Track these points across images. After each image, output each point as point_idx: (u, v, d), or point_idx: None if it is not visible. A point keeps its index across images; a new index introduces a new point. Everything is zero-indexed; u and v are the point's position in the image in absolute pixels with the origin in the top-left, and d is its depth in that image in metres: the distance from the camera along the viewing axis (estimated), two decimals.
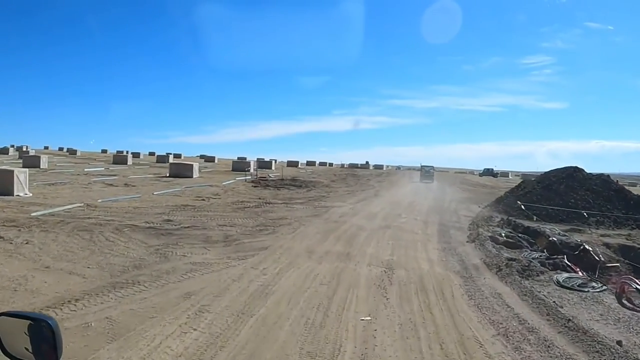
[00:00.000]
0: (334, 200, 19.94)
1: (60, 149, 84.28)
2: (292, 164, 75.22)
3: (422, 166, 48.67)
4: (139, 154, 77.56)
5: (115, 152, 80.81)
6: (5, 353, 1.65)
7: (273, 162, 60.02)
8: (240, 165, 46.47)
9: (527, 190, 19.53)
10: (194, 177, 31.20)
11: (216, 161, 71.61)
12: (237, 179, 31.51)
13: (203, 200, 17.94)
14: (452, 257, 9.62)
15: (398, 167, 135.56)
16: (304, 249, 9.62)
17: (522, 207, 16.14)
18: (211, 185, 25.23)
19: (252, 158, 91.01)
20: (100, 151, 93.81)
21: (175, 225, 11.72)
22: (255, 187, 25.97)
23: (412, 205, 19.76)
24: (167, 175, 31.31)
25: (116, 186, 22.42)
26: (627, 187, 20.69)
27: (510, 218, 15.55)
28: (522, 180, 22.21)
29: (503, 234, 12.61)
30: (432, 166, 48.20)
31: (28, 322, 1.62)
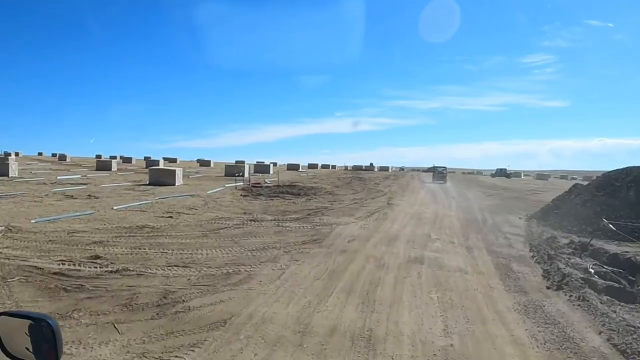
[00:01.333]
0: (339, 214, 15.87)
1: (54, 155, 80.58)
2: (293, 167, 71.59)
3: (434, 167, 50.30)
4: (131, 158, 74.10)
5: (108, 157, 77.53)
6: (6, 353, 1.66)
7: (271, 165, 56.21)
8: (233, 170, 42.60)
9: (585, 198, 15.36)
10: (176, 184, 27.22)
11: (212, 165, 68.02)
12: (227, 185, 27.62)
13: (170, 217, 13.95)
14: (550, 334, 5.49)
15: (401, 168, 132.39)
16: (291, 322, 5.53)
17: (610, 225, 11.91)
18: (192, 194, 21.22)
19: (253, 162, 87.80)
20: (94, 156, 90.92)
21: (99, 268, 7.67)
22: (244, 196, 21.94)
23: (438, 219, 15.64)
24: (147, 182, 27.39)
25: (75, 198, 18.48)
26: None
27: (581, 240, 11.41)
28: (572, 186, 17.86)
29: (592, 271, 8.49)
30: (445, 167, 48.64)
31: (28, 321, 1.62)
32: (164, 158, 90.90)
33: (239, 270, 7.88)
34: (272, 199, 20.73)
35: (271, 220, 14.05)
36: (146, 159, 74.81)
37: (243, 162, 78.43)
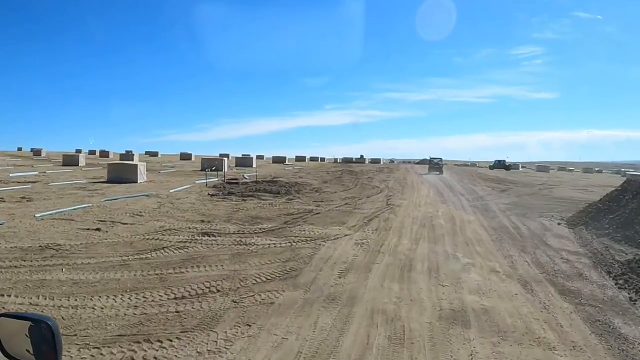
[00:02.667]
0: (327, 221, 12.21)
1: (33, 149, 75.31)
2: (279, 160, 67.88)
3: (430, 158, 50.24)
4: (108, 152, 69.91)
5: (90, 151, 73.36)
6: (5, 354, 1.66)
7: (254, 158, 52.32)
8: (210, 164, 38.73)
9: None
10: (138, 181, 23.33)
11: (193, 159, 63.96)
12: (198, 182, 23.84)
13: (98, 230, 10.43)
14: None
15: (392, 160, 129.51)
16: None
17: None
18: (150, 194, 17.49)
19: (243, 154, 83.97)
20: (74, 151, 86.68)
21: None
22: (213, 195, 18.20)
23: (457, 227, 12.03)
24: (106, 180, 23.55)
25: (6, 202, 14.88)
26: None
27: None
28: (625, 181, 14.29)
29: None
30: (441, 158, 49.38)
31: (28, 323, 1.62)
32: (146, 152, 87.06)
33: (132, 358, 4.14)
34: (245, 200, 16.98)
35: (233, 233, 10.30)
36: (128, 152, 71.03)
37: (227, 155, 74.78)
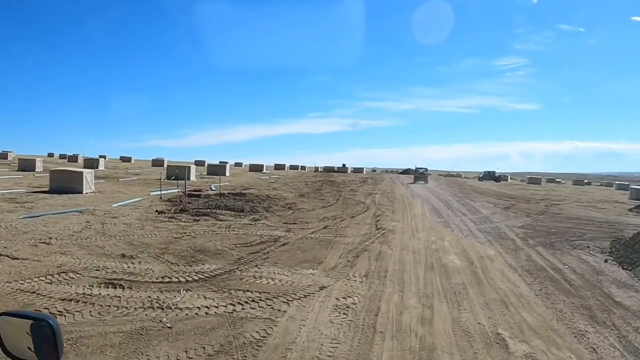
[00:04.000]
0: (297, 258, 8.95)
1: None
2: (256, 168, 64.34)
3: (416, 168, 50.71)
4: (76, 156, 65.62)
5: (62, 155, 69.12)
6: (6, 353, 1.67)
7: (227, 166, 48.80)
8: (180, 172, 35.20)
9: None
10: (84, 191, 20.08)
11: (165, 165, 60.17)
12: (153, 194, 20.46)
13: None
14: None
15: (374, 170, 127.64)
16: None
17: None
18: (84, 211, 14.14)
19: (227, 161, 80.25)
20: (46, 155, 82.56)
21: None
22: (160, 213, 14.85)
23: (477, 268, 8.82)
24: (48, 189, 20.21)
25: None
26: None
27: None
28: None
29: None
30: (426, 168, 50.39)
31: (29, 321, 1.63)
32: (121, 157, 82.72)
33: None
34: (198, 220, 13.62)
35: (154, 282, 6.94)
36: (101, 157, 67.48)
37: (204, 162, 71.42)
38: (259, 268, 8.14)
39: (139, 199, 18.48)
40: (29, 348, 1.61)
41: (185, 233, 11.37)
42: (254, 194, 22.66)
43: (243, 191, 24.08)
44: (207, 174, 41.85)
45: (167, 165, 43.65)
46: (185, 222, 13.27)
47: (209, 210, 15.82)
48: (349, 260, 8.93)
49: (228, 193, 22.36)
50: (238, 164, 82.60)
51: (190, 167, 36.16)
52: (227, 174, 44.00)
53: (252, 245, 10.18)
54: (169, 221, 13.26)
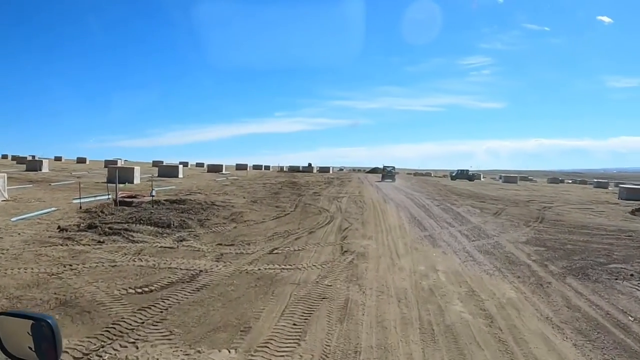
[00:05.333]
0: (209, 324, 5.36)
1: None
2: (215, 169, 60.23)
3: (384, 166, 53.36)
4: (24, 158, 60.18)
5: (14, 156, 64.45)
6: (6, 353, 1.69)
7: (180, 167, 44.64)
8: (121, 174, 31.06)
9: None
10: None
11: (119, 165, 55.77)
12: (75, 201, 16.77)
13: None
14: None
15: (341, 169, 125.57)
16: None
17: None
18: None
19: (183, 162, 75.68)
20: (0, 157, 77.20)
21: None
22: (62, 231, 11.23)
23: (505, 333, 5.55)
24: None
25: None
26: None
27: None
28: None
29: None
30: (394, 166, 53.29)
31: (28, 321, 1.65)
32: (77, 158, 77.13)
33: None
34: (103, 241, 10.12)
35: None
36: (57, 159, 62.40)
37: (162, 162, 67.46)
38: (137, 348, 4.64)
39: (52, 209, 14.70)
40: (29, 348, 1.62)
41: (70, 265, 7.81)
42: (197, 200, 19.00)
43: (186, 196, 20.47)
44: (158, 176, 38.10)
45: (108, 167, 39.19)
46: (84, 245, 9.68)
47: (125, 225, 12.14)
48: (294, 325, 5.46)
49: (166, 200, 18.61)
50: (200, 164, 78.33)
51: (133, 168, 32.05)
52: (180, 175, 40.15)
53: (152, 291, 6.64)
54: (62, 244, 9.61)
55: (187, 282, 7.20)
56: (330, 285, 7.17)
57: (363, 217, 15.80)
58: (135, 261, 8.51)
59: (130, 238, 10.62)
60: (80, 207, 15.35)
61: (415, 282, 7.63)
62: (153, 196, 20.45)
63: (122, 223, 12.48)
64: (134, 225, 12.33)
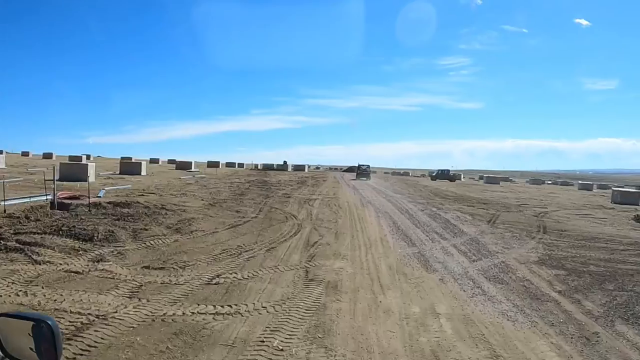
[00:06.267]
0: None
1: None
2: (184, 166, 57.27)
3: (359, 165, 54.21)
4: None
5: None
6: (5, 354, 1.70)
7: (143, 164, 41.65)
8: (72, 171, 28.33)
9: None
10: None
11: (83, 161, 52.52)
12: (6, 203, 13.88)
13: None
14: None
15: (317, 167, 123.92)
16: None
17: None
18: None
19: (154, 159, 72.42)
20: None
21: None
22: None
23: None
24: None
25: None
26: None
27: None
28: None
29: None
30: (368, 165, 54.88)
31: (28, 322, 1.66)
32: (43, 154, 73.13)
33: None
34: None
35: None
36: (24, 153, 58.74)
37: (130, 158, 65.01)
38: None
39: None
40: (30, 349, 1.62)
41: None
42: (147, 202, 16.33)
43: (137, 198, 17.89)
44: (121, 173, 35.71)
45: (60, 163, 35.91)
46: None
47: (39, 237, 9.46)
48: None
49: (110, 202, 15.86)
50: (172, 161, 75.06)
51: (87, 165, 28.90)
52: (144, 172, 37.29)
53: None
54: None
55: (65, 340, 4.67)
56: (282, 350, 4.71)
57: (337, 226, 13.37)
58: (18, 295, 5.96)
59: (35, 256, 7.98)
60: (5, 211, 12.56)
61: (410, 338, 5.21)
62: (99, 197, 17.80)
63: (37, 234, 9.81)
64: (50, 237, 9.67)
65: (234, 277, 7.48)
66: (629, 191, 32.35)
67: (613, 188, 35.67)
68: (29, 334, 1.62)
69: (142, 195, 19.45)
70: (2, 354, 1.70)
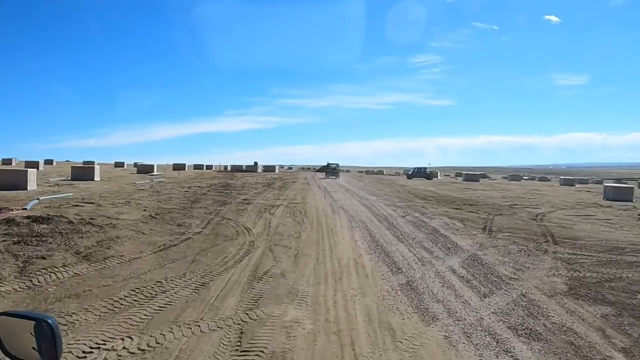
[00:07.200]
0: None
1: None
2: (145, 170, 53.91)
3: (328, 164, 56.00)
4: None
5: None
6: (6, 353, 1.69)
7: (96, 168, 38.15)
8: (7, 179, 25.05)
9: None
10: None
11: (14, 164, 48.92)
12: None
13: None
14: None
15: (289, 167, 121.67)
16: None
17: None
18: None
19: (114, 162, 69.20)
20: None
21: None
22: None
23: None
24: None
25: None
26: None
27: None
28: None
29: None
30: (337, 164, 56.44)
31: (28, 321, 1.66)
32: (2, 160, 68.80)
33: None
34: None
35: None
36: None
37: (93, 162, 62.29)
38: None
39: None
40: (33, 348, 1.63)
41: None
42: (76, 216, 13.51)
43: (70, 209, 15.28)
44: (72, 179, 32.25)
45: None
46: None
47: None
48: None
49: (31, 216, 12.88)
50: (140, 165, 71.71)
51: (27, 171, 25.46)
52: (97, 177, 33.92)
53: None
54: None
55: None
56: None
57: (299, 244, 10.62)
58: None
59: None
60: None
61: None
62: (25, 209, 14.80)
63: None
64: None
65: (124, 348, 4.71)
66: (622, 187, 30.60)
67: (605, 184, 33.97)
68: (31, 334, 1.61)
69: (78, 205, 16.47)
70: (2, 354, 1.69)
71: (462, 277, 7.98)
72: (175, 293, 6.73)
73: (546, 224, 15.31)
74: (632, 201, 26.76)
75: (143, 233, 11.80)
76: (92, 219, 13.41)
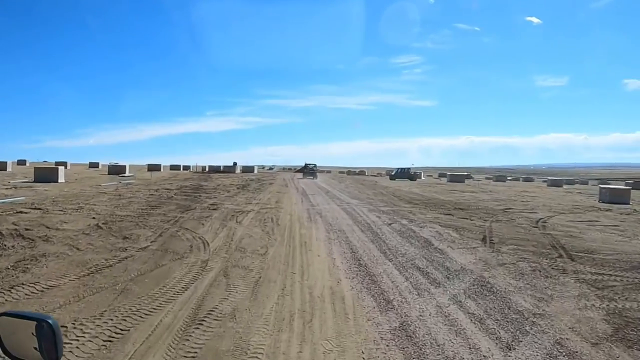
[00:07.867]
0: None
1: None
2: (117, 170, 52.08)
3: (305, 164, 56.86)
4: None
5: None
6: (6, 353, 1.68)
7: (60, 170, 36.02)
8: None
9: None
10: None
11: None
12: None
13: None
14: None
15: (270, 168, 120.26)
16: None
17: None
18: None
19: (105, 162, 67.76)
20: None
21: None
22: None
23: None
24: None
25: None
26: None
27: None
28: None
29: None
30: (315, 164, 57.60)
31: (28, 321, 1.65)
32: None
33: None
34: None
35: None
36: None
37: (65, 163, 60.92)
38: None
39: None
40: (34, 348, 1.62)
41: None
42: (13, 225, 11.82)
43: (10, 217, 13.63)
44: (34, 181, 30.85)
45: None
46: None
47: None
48: None
49: None
50: (116, 165, 69.90)
51: None
52: (61, 179, 32.00)
53: None
54: None
55: None
56: None
57: (264, 264, 8.66)
58: None
59: None
60: None
61: None
62: None
63: None
64: None
65: None
66: (618, 189, 29.34)
67: (600, 186, 32.73)
68: (32, 334, 1.61)
69: (22, 212, 14.55)
70: (2, 353, 1.68)
71: (473, 314, 6.11)
72: (77, 347, 4.77)
73: (551, 232, 13.61)
74: (629, 204, 25.55)
75: (78, 249, 9.79)
76: (27, 229, 11.49)
